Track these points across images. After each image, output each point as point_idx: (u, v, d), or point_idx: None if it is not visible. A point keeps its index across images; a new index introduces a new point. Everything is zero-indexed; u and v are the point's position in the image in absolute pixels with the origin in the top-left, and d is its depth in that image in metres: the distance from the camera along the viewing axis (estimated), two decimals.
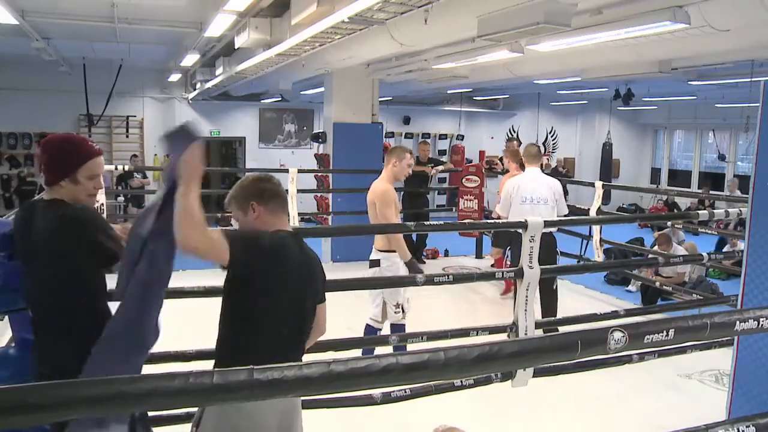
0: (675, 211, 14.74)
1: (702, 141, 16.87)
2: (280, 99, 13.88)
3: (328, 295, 2.58)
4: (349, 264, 8.03)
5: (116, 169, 8.43)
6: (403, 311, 4.29)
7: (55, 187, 2.30)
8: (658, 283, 7.00)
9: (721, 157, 16.08)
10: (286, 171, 7.84)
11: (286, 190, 8.28)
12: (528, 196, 5.31)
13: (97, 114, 13.05)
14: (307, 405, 3.08)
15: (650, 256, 7.24)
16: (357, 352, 3.70)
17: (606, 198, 7.71)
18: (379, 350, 3.77)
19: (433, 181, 9.35)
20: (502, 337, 3.72)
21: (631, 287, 9.06)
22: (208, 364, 2.45)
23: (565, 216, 5.44)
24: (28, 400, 1.06)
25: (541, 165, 5.73)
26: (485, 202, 8.51)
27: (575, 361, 2.53)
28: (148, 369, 2.25)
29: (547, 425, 3.83)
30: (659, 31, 4.27)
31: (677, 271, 8.06)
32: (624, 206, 16.84)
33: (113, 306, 2.11)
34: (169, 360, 3.33)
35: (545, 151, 16.48)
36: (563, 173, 15.79)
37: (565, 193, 6.11)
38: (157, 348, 3.39)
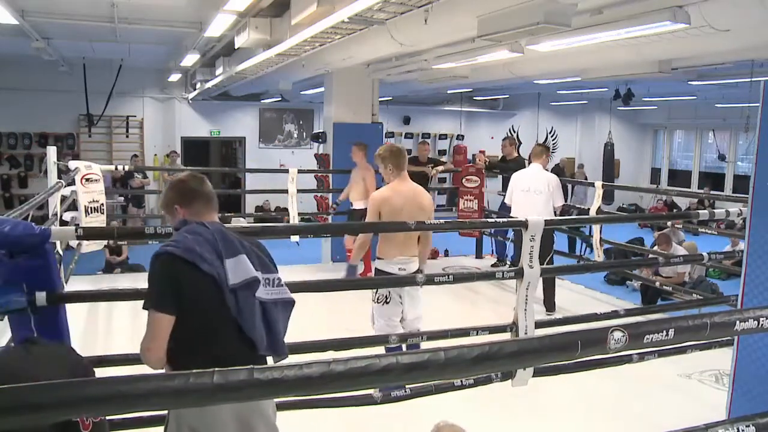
0: (675, 211, 14.74)
1: (702, 141, 16.87)
2: (280, 99, 13.88)
3: (326, 294, 2.58)
4: None
5: (116, 169, 8.42)
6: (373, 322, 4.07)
7: None
8: (658, 283, 7.00)
9: (721, 157, 16.08)
10: (286, 171, 7.83)
11: (286, 190, 8.21)
12: (526, 187, 6.06)
13: (97, 114, 13.06)
14: (307, 405, 3.09)
15: (650, 256, 7.24)
16: (357, 352, 3.70)
17: (609, 198, 7.73)
18: (380, 350, 3.76)
19: (433, 181, 9.35)
20: (502, 337, 3.72)
21: (633, 282, 9.05)
22: None
23: (560, 206, 6.15)
24: (28, 400, 1.06)
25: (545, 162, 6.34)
26: (485, 202, 8.50)
27: (575, 361, 2.52)
28: (148, 369, 2.25)
29: (547, 425, 3.83)
30: (659, 31, 4.27)
31: (677, 271, 8.06)
32: (624, 206, 16.85)
33: None
34: None
35: None
36: (562, 173, 15.74)
37: (570, 194, 6.46)
38: None
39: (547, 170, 6.37)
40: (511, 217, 6.58)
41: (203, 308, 2.09)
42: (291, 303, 2.30)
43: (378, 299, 3.94)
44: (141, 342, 2.09)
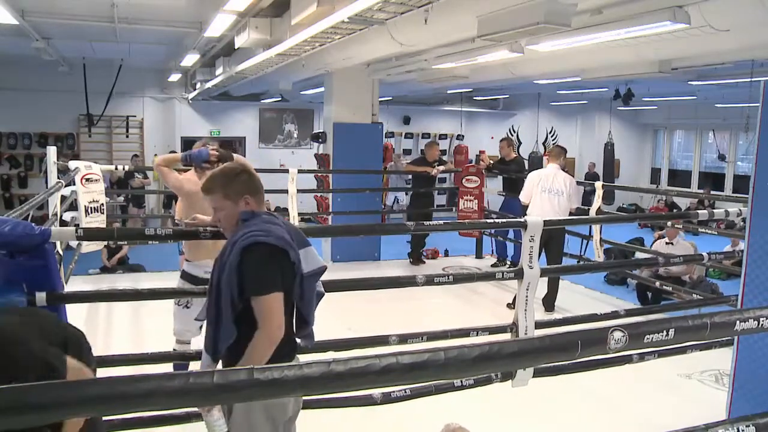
0: (675, 211, 14.74)
1: (702, 141, 16.87)
2: (280, 99, 13.89)
3: (327, 295, 2.58)
4: (349, 264, 8.06)
5: (116, 169, 8.43)
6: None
7: None
8: (658, 284, 7.00)
9: (721, 157, 16.09)
10: (286, 171, 7.83)
11: (286, 190, 8.23)
12: (548, 187, 6.10)
13: (97, 114, 13.06)
14: (307, 405, 3.09)
15: (650, 255, 7.23)
16: (357, 352, 3.70)
17: (609, 198, 7.76)
18: (380, 350, 3.76)
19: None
20: (502, 337, 3.72)
21: (633, 280, 9.05)
22: None
23: (575, 208, 6.26)
24: (28, 400, 1.06)
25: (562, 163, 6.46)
26: (485, 202, 8.51)
27: (575, 361, 2.52)
28: (148, 369, 2.25)
29: (547, 425, 3.83)
30: (659, 31, 4.27)
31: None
32: (624, 206, 16.85)
33: None
34: (169, 360, 3.33)
35: (545, 151, 16.53)
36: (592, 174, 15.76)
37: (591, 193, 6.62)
38: (157, 348, 3.41)
39: (565, 171, 6.43)
40: (511, 217, 6.61)
41: (287, 292, 2.22)
42: (322, 295, 2.48)
43: (179, 302, 3.69)
44: (264, 329, 2.14)
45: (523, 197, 6.37)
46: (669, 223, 8.10)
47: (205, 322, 2.37)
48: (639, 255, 8.36)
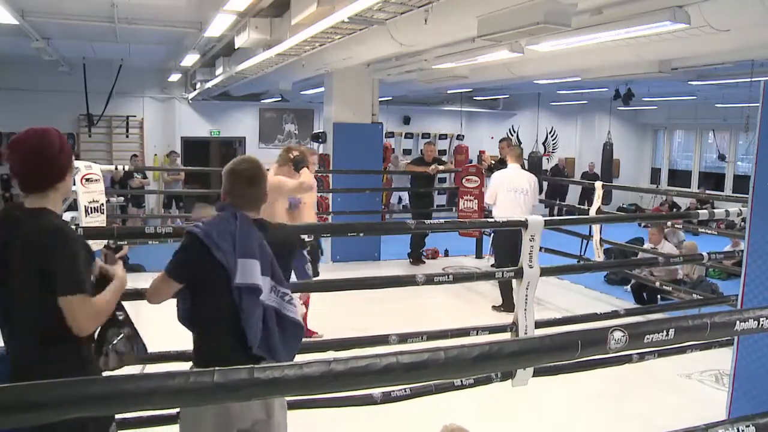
0: (675, 211, 14.73)
1: (702, 141, 16.87)
2: (280, 99, 13.88)
3: (327, 295, 2.59)
4: (349, 264, 8.07)
5: (116, 169, 8.43)
6: None
7: (48, 191, 2.01)
8: (658, 283, 7.00)
9: (721, 157, 16.08)
10: None
11: None
12: (513, 187, 6.10)
13: (97, 114, 13.05)
14: (307, 405, 3.09)
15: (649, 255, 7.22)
16: (357, 352, 3.70)
17: (606, 198, 7.74)
18: (380, 350, 3.76)
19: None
20: (502, 336, 3.72)
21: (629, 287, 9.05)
22: None
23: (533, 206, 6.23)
24: (28, 399, 1.06)
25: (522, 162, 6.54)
26: (485, 202, 8.51)
27: (575, 360, 2.52)
28: (148, 369, 2.25)
29: (547, 425, 3.83)
30: (659, 31, 4.27)
31: (668, 269, 8.01)
32: (624, 206, 16.83)
33: None
34: (169, 360, 3.33)
35: (545, 151, 16.54)
36: (564, 174, 15.82)
37: (565, 192, 6.54)
38: (158, 348, 3.41)
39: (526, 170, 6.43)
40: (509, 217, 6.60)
41: (212, 290, 2.26)
42: (295, 324, 2.34)
43: None
44: (150, 285, 2.43)
45: (487, 198, 6.40)
46: (669, 223, 8.08)
47: None
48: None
